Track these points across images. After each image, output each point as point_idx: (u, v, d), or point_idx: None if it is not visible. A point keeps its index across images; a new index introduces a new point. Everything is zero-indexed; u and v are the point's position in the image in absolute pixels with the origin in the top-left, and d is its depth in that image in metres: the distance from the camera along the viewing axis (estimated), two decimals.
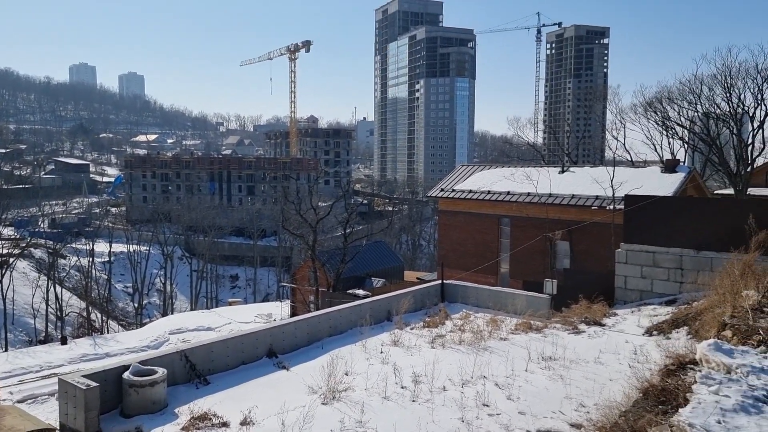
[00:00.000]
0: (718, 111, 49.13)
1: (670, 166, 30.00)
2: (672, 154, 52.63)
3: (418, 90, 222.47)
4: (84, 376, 11.78)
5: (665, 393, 6.52)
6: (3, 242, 76.44)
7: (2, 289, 66.09)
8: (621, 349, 14.49)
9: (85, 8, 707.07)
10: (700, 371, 6.71)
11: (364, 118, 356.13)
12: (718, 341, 7.49)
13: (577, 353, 14.32)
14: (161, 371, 12.41)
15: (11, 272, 71.01)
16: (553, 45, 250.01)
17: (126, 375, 12.14)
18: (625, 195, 22.97)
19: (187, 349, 13.92)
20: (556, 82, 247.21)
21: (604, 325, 17.29)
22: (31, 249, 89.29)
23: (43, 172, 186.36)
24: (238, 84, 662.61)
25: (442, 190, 34.68)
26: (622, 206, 22.91)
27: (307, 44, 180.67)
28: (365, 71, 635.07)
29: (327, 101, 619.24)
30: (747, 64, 46.44)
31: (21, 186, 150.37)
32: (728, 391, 6.18)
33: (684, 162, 48.74)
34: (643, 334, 15.75)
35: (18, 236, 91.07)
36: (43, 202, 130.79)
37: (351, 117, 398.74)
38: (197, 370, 13.72)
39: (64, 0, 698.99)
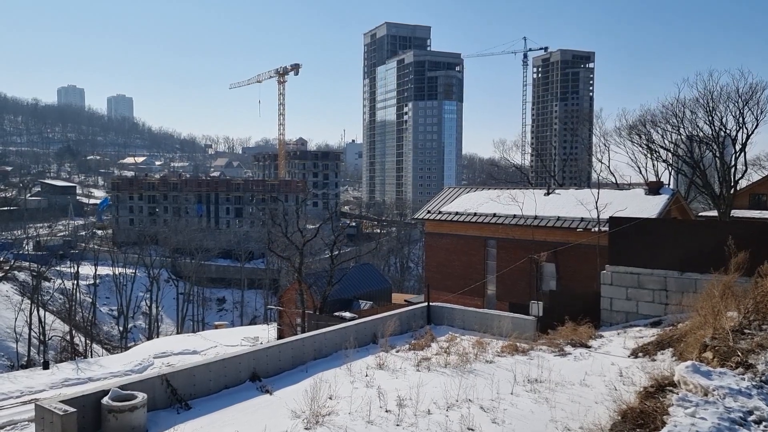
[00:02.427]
0: (701, 134, 49.89)
1: (654, 189, 30.28)
2: (656, 176, 53.26)
3: (406, 113, 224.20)
4: (62, 401, 11.55)
5: (643, 415, 6.51)
6: None
7: None
8: (607, 371, 14.47)
9: (74, 31, 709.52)
10: (678, 393, 6.71)
11: (353, 141, 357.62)
12: (696, 363, 7.51)
13: (562, 376, 14.27)
14: (141, 396, 12.21)
15: None
16: (540, 69, 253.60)
17: (105, 400, 11.92)
18: (610, 217, 23.14)
19: (168, 373, 13.72)
20: (543, 105, 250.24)
21: (590, 347, 17.28)
22: (15, 272, 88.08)
23: (29, 194, 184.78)
24: (227, 106, 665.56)
25: (429, 212, 34.77)
26: (606, 228, 23.08)
27: (296, 67, 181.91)
28: (354, 94, 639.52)
29: (316, 124, 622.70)
30: (728, 88, 47.41)
31: (6, 208, 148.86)
32: (704, 414, 6.18)
33: (668, 184, 49.31)
34: (629, 356, 15.75)
35: (1, 259, 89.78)
36: (28, 224, 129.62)
37: (340, 139, 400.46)
38: (178, 394, 13.51)
39: (53, 22, 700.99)
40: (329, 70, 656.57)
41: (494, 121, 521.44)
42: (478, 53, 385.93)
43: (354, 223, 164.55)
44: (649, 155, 54.33)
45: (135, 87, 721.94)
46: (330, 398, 13.25)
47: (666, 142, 52.44)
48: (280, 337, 44.91)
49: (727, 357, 8.04)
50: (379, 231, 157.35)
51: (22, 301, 77.39)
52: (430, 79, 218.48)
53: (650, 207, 27.62)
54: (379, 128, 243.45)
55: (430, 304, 23.13)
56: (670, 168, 55.69)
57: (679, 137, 51.69)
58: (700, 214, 47.65)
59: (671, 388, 7.35)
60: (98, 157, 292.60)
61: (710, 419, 6.14)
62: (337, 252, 46.19)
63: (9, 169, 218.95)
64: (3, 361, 67.87)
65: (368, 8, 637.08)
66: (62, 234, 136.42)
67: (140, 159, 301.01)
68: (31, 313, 70.62)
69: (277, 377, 15.74)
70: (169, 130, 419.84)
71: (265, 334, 51.05)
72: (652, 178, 50.33)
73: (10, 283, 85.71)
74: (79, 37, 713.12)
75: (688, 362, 7.70)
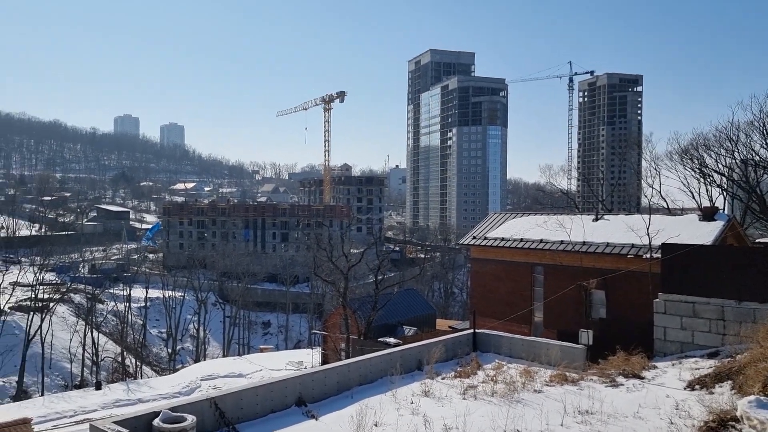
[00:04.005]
0: (756, 158, 48.19)
1: (708, 214, 29.26)
2: (710, 201, 51.48)
3: (450, 138, 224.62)
4: (115, 422, 11.86)
5: None
6: (44, 287, 78.43)
7: (42, 333, 67.46)
8: (661, 403, 13.97)
9: (130, 62, 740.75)
10: (741, 430, 6.41)
11: (397, 166, 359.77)
12: (760, 398, 7.16)
13: (615, 407, 13.85)
14: (191, 419, 12.41)
15: (51, 317, 72.53)
16: (586, 93, 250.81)
17: (156, 422, 12.18)
18: (662, 244, 22.50)
19: (216, 397, 13.92)
20: (589, 129, 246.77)
21: (643, 378, 16.73)
22: (71, 294, 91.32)
23: (85, 219, 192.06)
24: (274, 133, 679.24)
25: (474, 237, 34.50)
26: (659, 255, 22.42)
27: (341, 95, 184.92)
28: (398, 120, 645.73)
29: (360, 149, 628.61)
30: None
31: (64, 233, 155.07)
32: None
33: (723, 210, 47.59)
34: (685, 389, 15.17)
35: (59, 281, 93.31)
36: (84, 248, 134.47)
37: (384, 165, 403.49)
38: (226, 417, 13.68)
39: (110, 56, 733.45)
40: (374, 97, 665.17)
41: (539, 145, 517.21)
42: (523, 78, 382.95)
43: (398, 248, 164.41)
44: (702, 180, 52.64)
45: (186, 115, 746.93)
46: (375, 425, 13.19)
47: (720, 166, 50.80)
48: (324, 361, 44.97)
49: None
50: (422, 256, 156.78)
51: (77, 322, 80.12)
52: (474, 104, 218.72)
53: (705, 233, 26.68)
54: (423, 153, 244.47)
55: (476, 331, 22.85)
56: (724, 193, 53.79)
57: (733, 161, 50.01)
58: (757, 240, 45.72)
59: (733, 423, 7.03)
60: (151, 183, 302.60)
61: None
62: (381, 277, 46.19)
63: (68, 195, 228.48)
64: (58, 380, 70.11)
65: (413, 35, 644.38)
66: (116, 257, 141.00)
67: (190, 185, 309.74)
68: (85, 335, 72.97)
69: (323, 402, 15.77)
70: (218, 157, 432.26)
71: (310, 358, 51.19)
72: (706, 203, 48.68)
73: (66, 305, 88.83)
74: (134, 67, 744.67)
75: (752, 397, 7.35)
